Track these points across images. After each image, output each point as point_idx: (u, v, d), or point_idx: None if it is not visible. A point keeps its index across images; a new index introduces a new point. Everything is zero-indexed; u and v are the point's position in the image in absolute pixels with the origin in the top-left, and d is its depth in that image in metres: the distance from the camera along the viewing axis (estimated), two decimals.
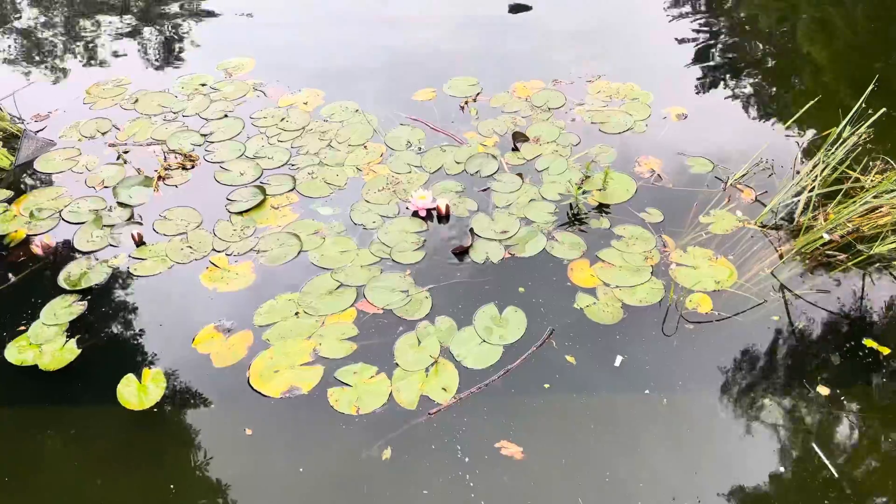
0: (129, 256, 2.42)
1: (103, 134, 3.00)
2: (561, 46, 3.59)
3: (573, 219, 2.52)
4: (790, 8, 3.89)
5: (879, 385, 1.97)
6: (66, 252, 2.45)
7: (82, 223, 2.55)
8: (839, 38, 3.65)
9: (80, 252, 2.44)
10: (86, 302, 2.26)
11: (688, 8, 3.91)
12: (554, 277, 2.30)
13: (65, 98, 3.24)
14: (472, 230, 2.48)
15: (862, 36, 3.65)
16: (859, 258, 2.28)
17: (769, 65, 3.45)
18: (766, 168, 2.68)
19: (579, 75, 3.25)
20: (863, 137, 2.52)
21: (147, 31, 3.83)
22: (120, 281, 2.35)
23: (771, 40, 3.64)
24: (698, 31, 3.69)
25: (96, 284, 2.32)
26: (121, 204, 2.64)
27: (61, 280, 2.33)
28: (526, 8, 3.48)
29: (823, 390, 1.94)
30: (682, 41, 3.60)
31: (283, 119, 3.05)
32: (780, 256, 2.33)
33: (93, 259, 2.41)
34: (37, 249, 2.44)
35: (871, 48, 3.52)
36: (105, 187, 2.71)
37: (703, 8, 3.90)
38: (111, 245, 2.46)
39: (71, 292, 2.29)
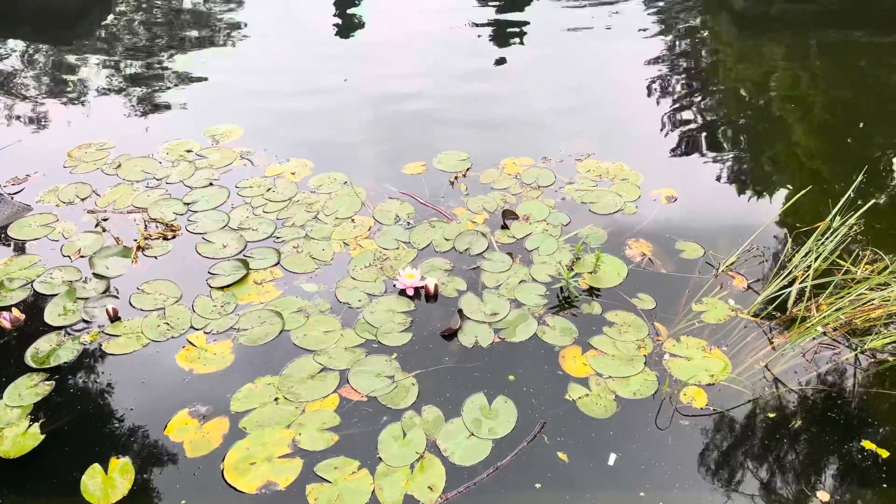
0: (103, 332, 2.31)
1: (83, 200, 2.92)
2: (550, 123, 3.60)
3: (564, 302, 2.47)
4: (777, 87, 3.96)
5: (880, 491, 1.90)
6: (35, 326, 2.34)
7: (55, 295, 2.45)
8: (819, 117, 3.71)
9: (50, 327, 2.33)
10: (53, 382, 2.14)
11: (673, 83, 3.97)
12: (545, 365, 2.23)
13: (45, 160, 3.15)
14: (460, 311, 2.41)
15: (842, 116, 3.71)
16: (854, 352, 2.25)
17: (758, 146, 3.48)
18: (757, 255, 2.66)
19: (569, 153, 3.25)
20: (853, 229, 2.52)
21: (134, 93, 3.79)
22: (91, 359, 2.24)
23: (759, 120, 3.69)
24: (685, 109, 3.73)
25: (65, 363, 2.21)
26: (97, 275, 2.54)
27: (28, 357, 2.21)
28: None
29: (823, 496, 1.87)
30: (670, 120, 3.63)
31: (269, 189, 3.00)
32: (774, 348, 2.29)
33: (63, 335, 2.30)
34: (4, 322, 2.32)
35: (858, 130, 3.57)
36: (81, 256, 2.62)
37: (689, 84, 3.95)
38: (84, 320, 2.35)
39: (38, 370, 2.18)
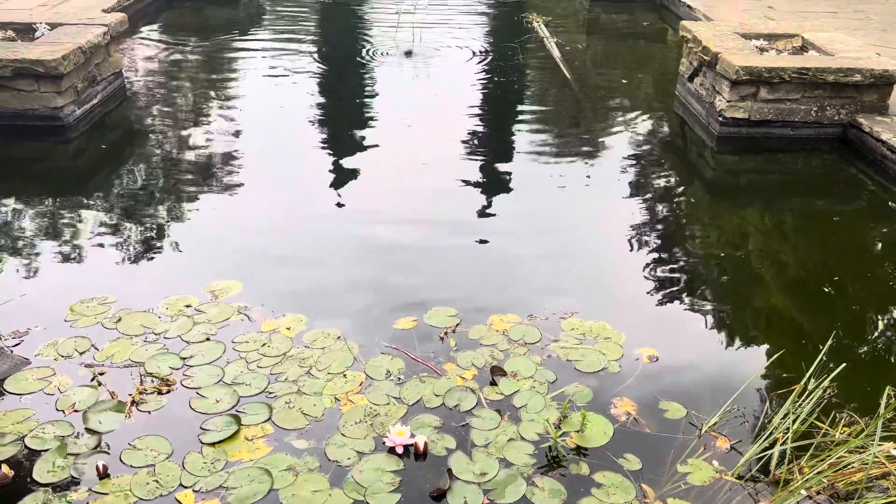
0: (91, 490, 2.30)
1: (81, 353, 2.98)
2: (534, 279, 3.79)
3: (552, 462, 2.50)
4: (751, 247, 4.21)
5: None
6: (21, 484, 2.32)
7: (46, 450, 2.46)
8: (794, 273, 3.92)
9: (38, 483, 2.32)
10: None
11: (652, 242, 4.20)
12: None
13: (47, 314, 3.25)
14: (450, 471, 2.43)
15: (815, 272, 3.93)
16: None
17: (736, 303, 3.66)
18: (738, 416, 2.73)
19: (553, 311, 3.40)
20: (827, 392, 2.63)
21: (137, 248, 3.96)
22: None
23: (736, 278, 3.90)
24: (663, 265, 3.94)
25: None
26: (89, 430, 2.55)
27: None
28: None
29: None
30: (650, 277, 3.82)
31: (264, 344, 3.09)
32: None
33: (50, 493, 2.29)
34: None
35: (832, 284, 3.77)
36: (75, 411, 2.64)
37: (667, 243, 4.19)
38: (73, 477, 2.35)
39: None
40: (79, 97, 5.34)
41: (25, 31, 5.58)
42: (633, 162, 5.20)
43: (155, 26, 8.48)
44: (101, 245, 3.97)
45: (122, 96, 6.07)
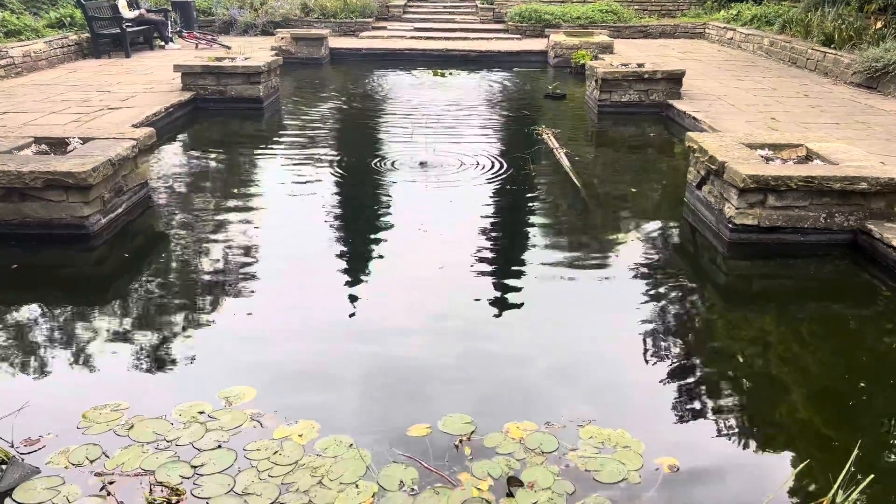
0: None
1: (91, 462, 2.94)
2: (550, 386, 3.74)
3: None
4: (771, 352, 4.15)
5: None
6: None
7: None
8: (817, 380, 3.84)
9: None
10: None
11: (669, 348, 4.16)
12: None
13: (60, 421, 3.23)
14: None
15: (839, 378, 3.85)
16: None
17: (757, 411, 3.57)
18: None
19: (570, 419, 3.34)
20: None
21: (154, 354, 3.98)
22: None
23: (758, 384, 3.82)
24: (682, 373, 3.88)
25: None
26: None
27: None
28: None
29: None
30: (668, 384, 3.76)
31: (276, 452, 3.04)
32: None
33: None
34: None
35: (857, 391, 3.68)
36: None
37: (684, 349, 4.14)
38: None
39: None
40: (105, 207, 5.56)
41: (59, 146, 5.91)
42: (646, 270, 5.24)
43: (182, 138, 8.97)
44: (117, 352, 4.00)
45: (147, 205, 6.32)
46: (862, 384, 3.75)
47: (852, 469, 2.64)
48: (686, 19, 16.54)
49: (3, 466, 2.82)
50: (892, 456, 3.22)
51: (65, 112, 8.56)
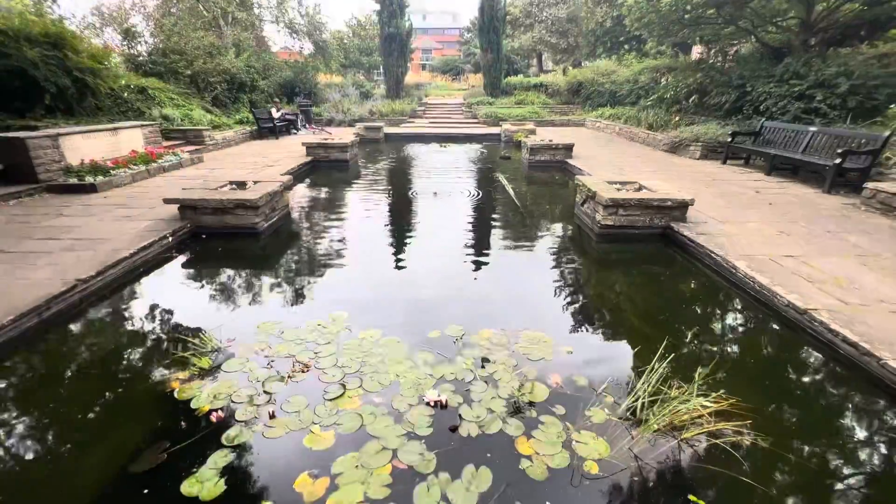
0: (265, 425, 4.30)
1: (262, 350, 5.03)
2: (504, 311, 5.91)
3: (516, 410, 4.49)
4: (619, 288, 6.30)
5: None
6: (228, 421, 4.33)
7: (241, 403, 4.47)
8: (641, 306, 5.98)
9: (237, 421, 4.32)
10: (235, 453, 4.11)
11: (564, 286, 6.33)
12: (506, 447, 4.22)
13: (245, 330, 5.37)
14: (460, 415, 4.42)
15: (652, 306, 5.97)
16: (675, 440, 4.25)
17: (613, 322, 5.71)
18: (618, 384, 4.71)
19: (516, 327, 5.48)
20: (665, 370, 4.62)
21: (296, 294, 6.09)
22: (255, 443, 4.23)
23: (609, 308, 5.98)
24: (572, 300, 6.02)
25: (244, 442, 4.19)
26: (265, 392, 4.56)
27: (223, 439, 4.19)
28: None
29: None
30: (565, 306, 6.00)
31: (358, 345, 5.13)
32: (632, 438, 4.29)
33: (243, 424, 4.30)
34: (213, 417, 4.32)
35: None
36: (258, 381, 4.67)
37: (572, 287, 6.27)
38: (255, 417, 4.35)
39: (228, 447, 4.15)
40: (266, 218, 8.65)
41: (241, 185, 9.28)
42: (554, 248, 7.96)
43: (306, 181, 13.05)
44: (275, 293, 6.28)
45: (287, 218, 9.49)
46: (667, 308, 5.93)
47: (662, 351, 4.76)
48: (575, 116, 26.21)
49: (216, 353, 4.91)
50: (683, 347, 5.29)
51: (244, 168, 13.22)
